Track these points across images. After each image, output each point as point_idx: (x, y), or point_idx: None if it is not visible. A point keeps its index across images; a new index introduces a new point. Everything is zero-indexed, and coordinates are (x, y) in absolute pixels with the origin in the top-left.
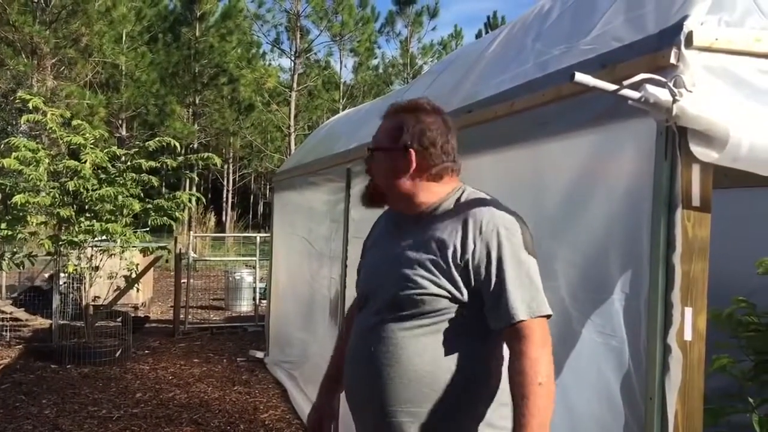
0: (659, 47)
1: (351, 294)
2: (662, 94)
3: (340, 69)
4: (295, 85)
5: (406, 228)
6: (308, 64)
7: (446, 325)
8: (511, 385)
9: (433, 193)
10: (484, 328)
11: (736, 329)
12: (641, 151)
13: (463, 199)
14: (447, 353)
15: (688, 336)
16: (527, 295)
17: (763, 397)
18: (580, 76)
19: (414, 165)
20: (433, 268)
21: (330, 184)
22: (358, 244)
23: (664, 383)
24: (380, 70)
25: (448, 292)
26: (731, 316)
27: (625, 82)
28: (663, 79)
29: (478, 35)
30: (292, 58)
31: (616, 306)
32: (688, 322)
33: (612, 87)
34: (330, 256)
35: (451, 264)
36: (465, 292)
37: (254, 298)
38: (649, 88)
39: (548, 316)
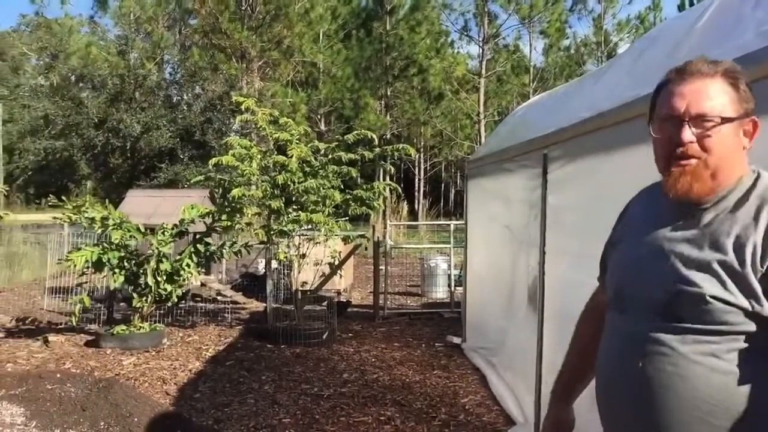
0: None
1: (550, 282)
2: None
3: (530, 52)
4: (483, 72)
5: (679, 217)
6: (496, 50)
7: (740, 345)
8: None
9: (734, 177)
10: None
11: None
12: None
13: (760, 187)
14: (740, 382)
15: None
16: None
17: None
18: None
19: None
20: (720, 271)
21: (526, 170)
22: (557, 230)
23: None
24: (572, 51)
25: (742, 303)
26: None
27: None
28: None
29: (681, 6)
30: (480, 45)
31: None
32: None
33: None
34: (528, 242)
35: (749, 267)
36: (766, 305)
37: (449, 285)
38: None
39: None
